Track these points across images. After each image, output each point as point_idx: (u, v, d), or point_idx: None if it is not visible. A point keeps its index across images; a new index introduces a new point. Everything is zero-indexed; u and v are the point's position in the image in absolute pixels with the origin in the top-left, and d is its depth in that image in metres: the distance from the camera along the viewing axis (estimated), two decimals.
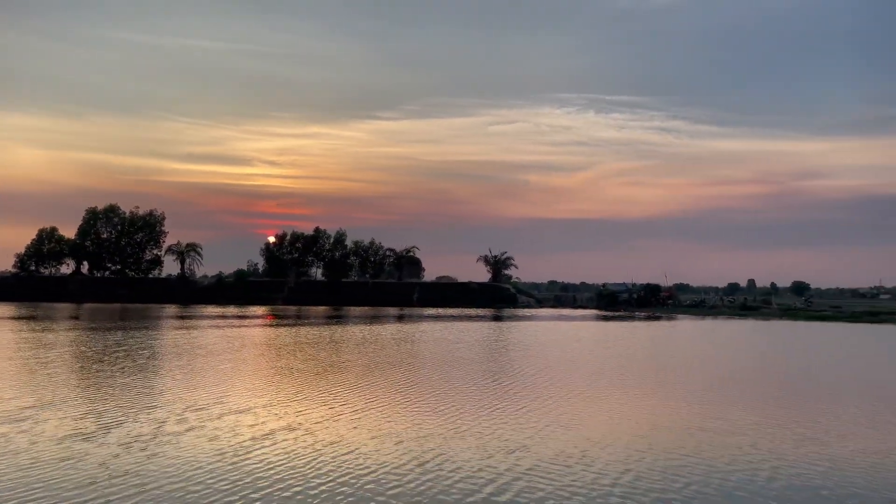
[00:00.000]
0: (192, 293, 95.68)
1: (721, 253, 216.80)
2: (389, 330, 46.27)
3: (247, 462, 11.49)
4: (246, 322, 51.76)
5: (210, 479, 10.54)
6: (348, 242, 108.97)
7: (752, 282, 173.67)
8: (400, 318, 61.98)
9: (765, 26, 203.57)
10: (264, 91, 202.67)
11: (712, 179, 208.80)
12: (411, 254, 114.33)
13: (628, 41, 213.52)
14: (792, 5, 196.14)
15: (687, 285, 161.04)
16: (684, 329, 56.79)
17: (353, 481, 10.56)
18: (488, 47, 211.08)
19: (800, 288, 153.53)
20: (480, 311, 79.09)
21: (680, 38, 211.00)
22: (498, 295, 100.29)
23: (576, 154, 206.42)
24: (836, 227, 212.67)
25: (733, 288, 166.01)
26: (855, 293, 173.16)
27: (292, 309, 77.85)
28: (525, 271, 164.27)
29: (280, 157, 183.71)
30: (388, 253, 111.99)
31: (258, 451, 12.16)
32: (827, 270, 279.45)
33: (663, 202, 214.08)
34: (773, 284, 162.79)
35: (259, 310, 73.92)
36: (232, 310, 72.58)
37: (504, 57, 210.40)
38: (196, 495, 9.80)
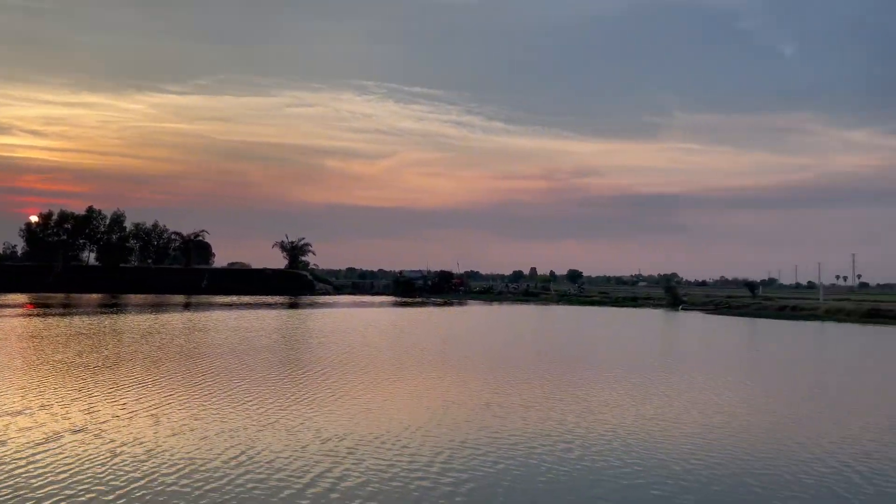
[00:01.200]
0: None
1: (508, 242, 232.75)
2: (178, 319, 43.44)
3: (28, 470, 10.16)
4: (5, 312, 45.59)
5: None
6: (127, 224, 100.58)
7: (533, 269, 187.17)
8: (188, 307, 58.41)
9: (558, 32, 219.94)
10: (30, 52, 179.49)
11: (503, 174, 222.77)
12: (200, 238, 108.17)
13: (429, 34, 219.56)
14: (588, 15, 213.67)
15: (477, 272, 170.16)
16: (474, 314, 60.08)
17: (156, 484, 9.79)
18: (287, 26, 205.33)
19: (574, 275, 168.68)
20: (277, 299, 77.05)
21: (478, 36, 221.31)
22: (295, 282, 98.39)
23: (376, 142, 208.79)
24: (605, 220, 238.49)
25: (517, 275, 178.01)
26: (619, 280, 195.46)
27: (60, 297, 70.00)
28: (323, 258, 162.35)
29: (46, 126, 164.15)
30: (173, 237, 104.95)
31: (41, 457, 10.81)
32: (597, 259, 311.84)
33: (457, 193, 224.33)
34: (552, 272, 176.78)
35: (18, 297, 65.51)
36: None
37: (304, 38, 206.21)
38: None
